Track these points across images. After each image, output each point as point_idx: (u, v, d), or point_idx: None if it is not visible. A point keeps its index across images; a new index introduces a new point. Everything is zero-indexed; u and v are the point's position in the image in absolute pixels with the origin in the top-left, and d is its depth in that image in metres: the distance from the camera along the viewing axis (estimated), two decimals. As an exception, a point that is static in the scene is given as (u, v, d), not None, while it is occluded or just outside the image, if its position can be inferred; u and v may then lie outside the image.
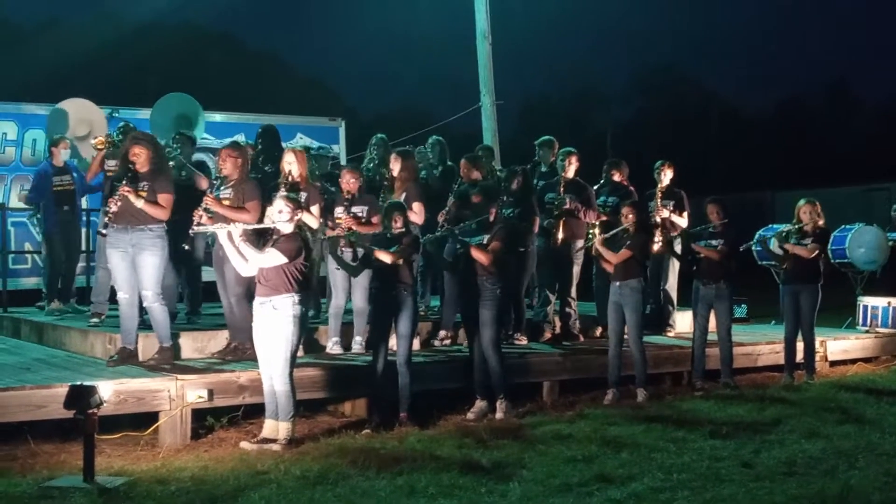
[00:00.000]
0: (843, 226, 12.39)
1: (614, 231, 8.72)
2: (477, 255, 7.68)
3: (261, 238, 7.20)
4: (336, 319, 8.62)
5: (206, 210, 7.68)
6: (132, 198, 7.55)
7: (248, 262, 6.84)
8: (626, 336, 8.63)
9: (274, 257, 6.74)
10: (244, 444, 6.81)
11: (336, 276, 8.51)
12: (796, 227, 9.47)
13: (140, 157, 7.68)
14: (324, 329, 8.85)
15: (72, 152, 10.56)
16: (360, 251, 7.83)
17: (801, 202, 9.51)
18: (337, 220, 8.34)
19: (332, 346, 8.60)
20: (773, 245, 9.97)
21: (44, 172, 10.30)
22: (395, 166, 8.90)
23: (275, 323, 6.75)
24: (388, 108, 40.02)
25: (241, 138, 11.88)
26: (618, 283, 8.56)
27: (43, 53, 32.43)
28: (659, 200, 10.11)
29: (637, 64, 54.31)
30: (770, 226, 13.23)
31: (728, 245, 9.02)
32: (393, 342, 7.68)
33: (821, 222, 9.42)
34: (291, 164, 8.34)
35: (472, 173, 9.27)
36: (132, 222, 7.64)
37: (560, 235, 9.56)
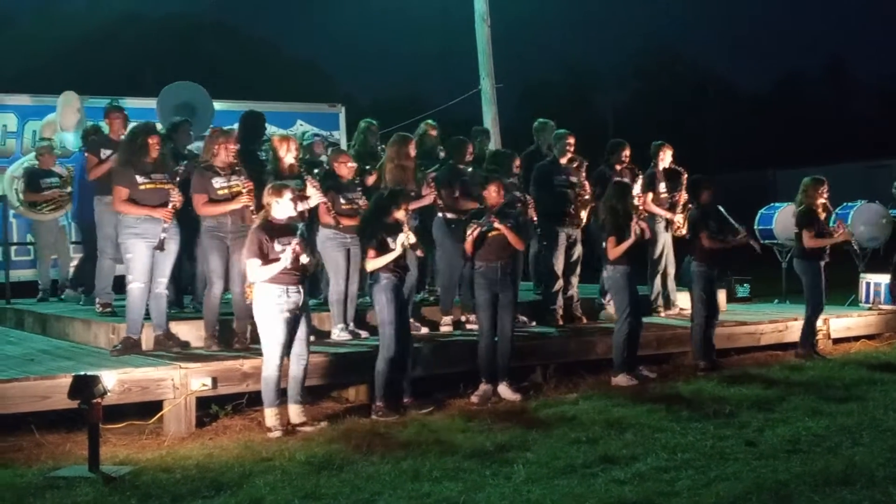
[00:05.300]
0: (844, 203, 12.36)
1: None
2: (514, 239, 7.78)
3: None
4: (338, 306, 8.52)
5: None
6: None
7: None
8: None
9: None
10: (271, 435, 6.74)
11: (333, 263, 8.42)
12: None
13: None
14: (326, 315, 8.84)
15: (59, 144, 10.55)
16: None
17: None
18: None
19: (339, 332, 8.49)
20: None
21: (81, 165, 10.25)
22: (412, 151, 8.72)
23: (305, 307, 7.04)
24: (387, 93, 39.91)
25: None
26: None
27: (38, 44, 32.34)
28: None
29: (635, 45, 54.24)
30: (772, 204, 13.24)
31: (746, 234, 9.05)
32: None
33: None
34: (290, 153, 8.32)
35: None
36: None
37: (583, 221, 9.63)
